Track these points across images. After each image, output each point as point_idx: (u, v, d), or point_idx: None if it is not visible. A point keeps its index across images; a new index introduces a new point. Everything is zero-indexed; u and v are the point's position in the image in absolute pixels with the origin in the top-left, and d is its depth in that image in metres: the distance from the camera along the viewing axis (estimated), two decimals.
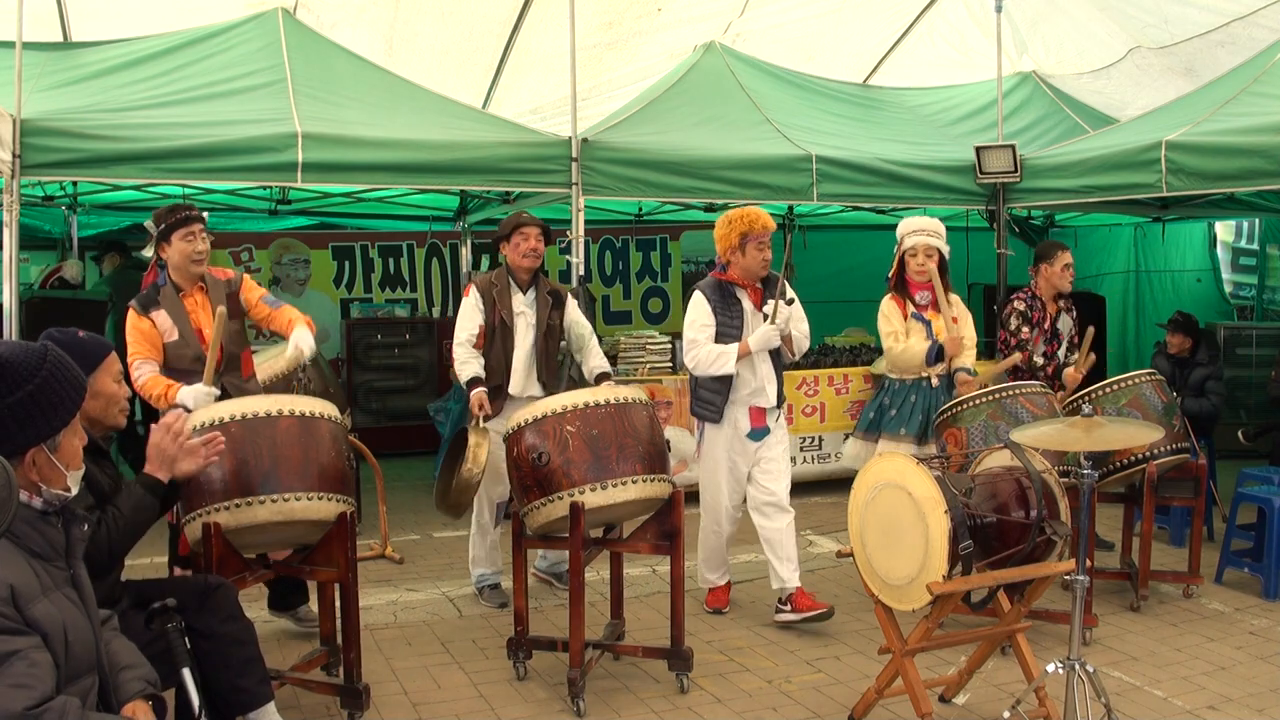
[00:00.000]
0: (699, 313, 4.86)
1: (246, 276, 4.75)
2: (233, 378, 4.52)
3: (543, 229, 5.21)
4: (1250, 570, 5.54)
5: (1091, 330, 5.64)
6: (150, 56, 6.79)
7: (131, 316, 4.41)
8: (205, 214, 4.60)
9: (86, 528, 2.44)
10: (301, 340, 4.48)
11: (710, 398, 4.92)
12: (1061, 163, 7.52)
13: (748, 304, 4.89)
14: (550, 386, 5.14)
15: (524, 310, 5.18)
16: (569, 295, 5.40)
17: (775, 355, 4.92)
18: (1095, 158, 7.24)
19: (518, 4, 7.92)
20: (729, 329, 4.84)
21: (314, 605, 4.82)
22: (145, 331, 4.38)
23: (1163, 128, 6.88)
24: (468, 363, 5.09)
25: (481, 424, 4.90)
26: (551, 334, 5.24)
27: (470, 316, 5.14)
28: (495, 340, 5.13)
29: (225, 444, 3.51)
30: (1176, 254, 11.04)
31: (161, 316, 4.41)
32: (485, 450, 4.76)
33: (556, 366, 5.30)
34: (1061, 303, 5.84)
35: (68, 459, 2.37)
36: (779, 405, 5.00)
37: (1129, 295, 11.24)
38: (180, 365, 4.40)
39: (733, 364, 4.75)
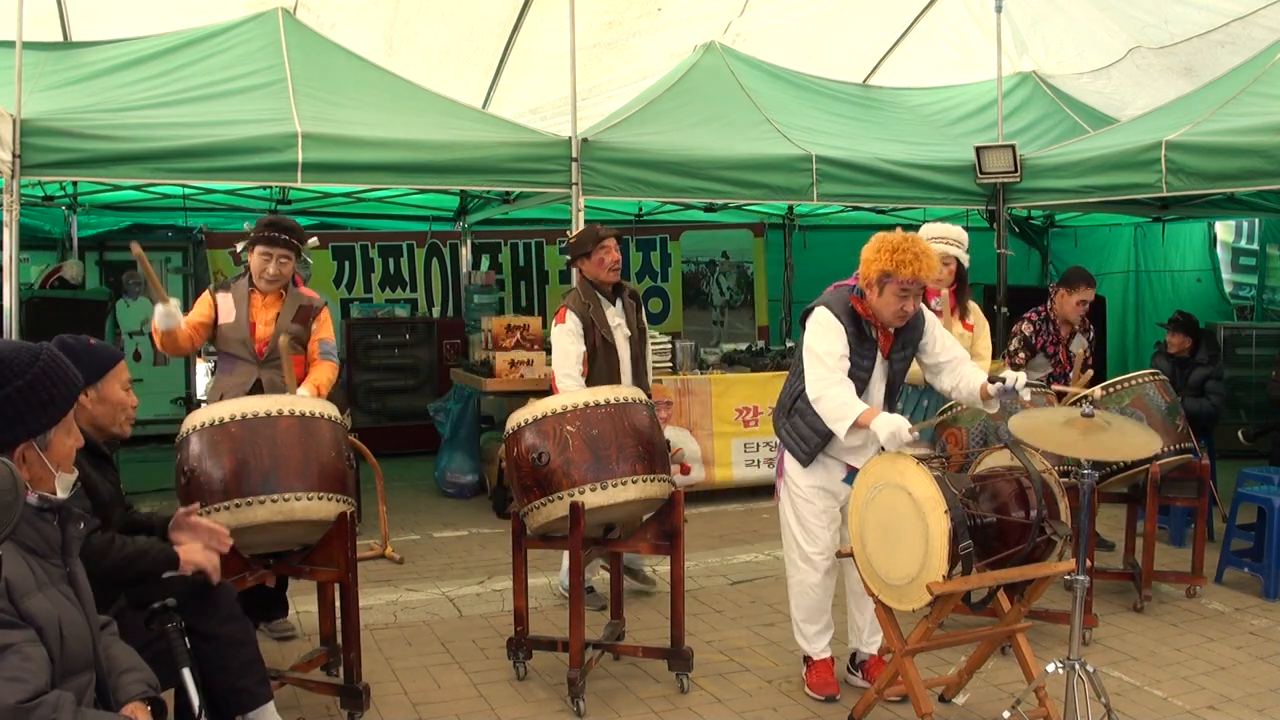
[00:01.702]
0: (831, 337, 3.87)
1: (325, 312, 4.85)
2: (273, 373, 4.63)
3: (618, 236, 5.14)
4: (1250, 570, 5.54)
5: (1090, 374, 5.64)
6: (150, 56, 6.79)
7: (204, 293, 4.78)
8: (299, 241, 4.68)
9: (83, 526, 2.45)
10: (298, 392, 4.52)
11: (808, 435, 4.02)
12: (1061, 163, 7.52)
13: (878, 346, 3.98)
14: (645, 388, 5.10)
15: (619, 322, 5.11)
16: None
17: (891, 407, 4.11)
18: (1095, 158, 7.24)
19: (518, 4, 7.92)
20: (860, 370, 3.93)
21: (291, 616, 4.89)
22: (202, 309, 4.69)
23: (1163, 128, 6.88)
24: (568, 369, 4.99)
25: None
26: (642, 337, 5.25)
27: (573, 344, 4.94)
28: (599, 359, 5.01)
29: (225, 444, 3.52)
30: (1176, 254, 11.05)
31: (226, 300, 4.69)
32: None
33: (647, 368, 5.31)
34: (1076, 324, 5.81)
35: (59, 459, 2.39)
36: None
37: (1129, 295, 11.25)
38: (227, 348, 4.71)
39: (845, 431, 3.79)
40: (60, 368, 2.38)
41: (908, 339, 4.03)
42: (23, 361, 2.32)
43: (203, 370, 7.94)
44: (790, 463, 4.13)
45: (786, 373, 4.32)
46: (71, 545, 2.38)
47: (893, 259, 3.75)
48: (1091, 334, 5.93)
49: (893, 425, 3.67)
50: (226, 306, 4.67)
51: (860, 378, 3.93)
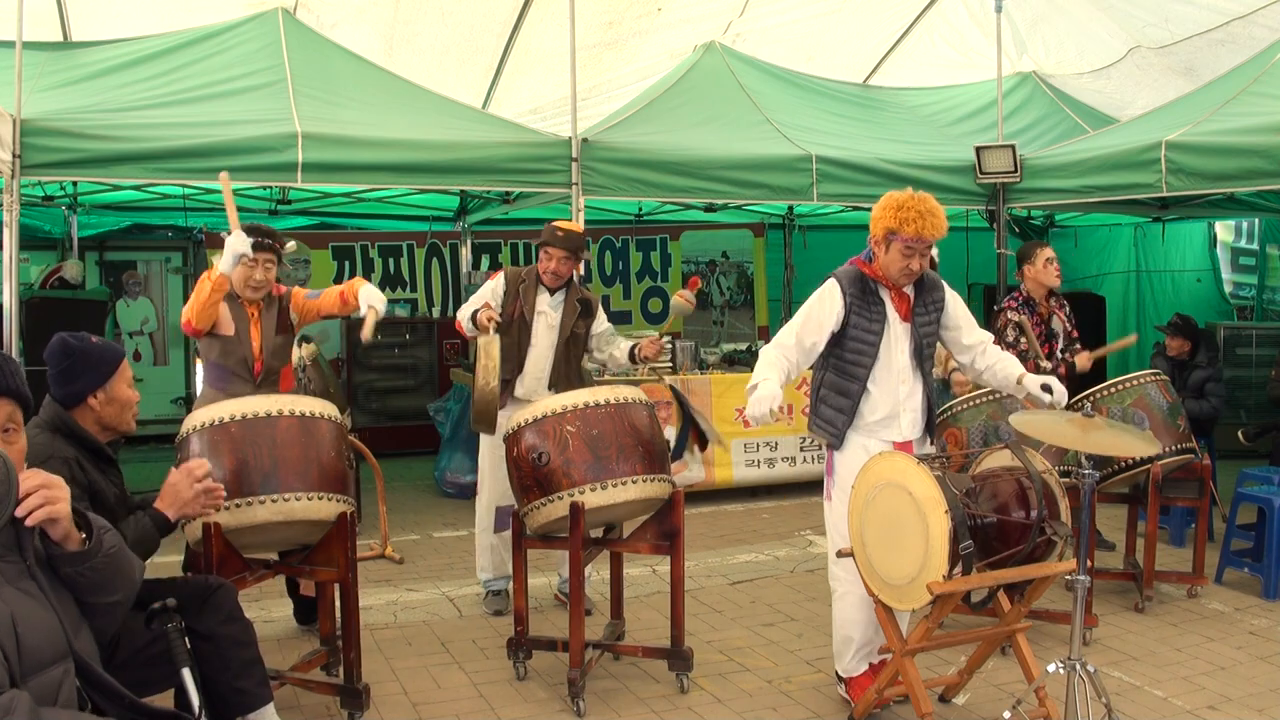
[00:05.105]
0: (813, 311, 3.86)
1: (296, 289, 4.78)
2: (271, 391, 4.50)
3: (570, 251, 4.99)
4: (1250, 570, 5.54)
5: (1135, 337, 5.64)
6: (150, 56, 6.79)
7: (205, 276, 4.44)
8: (281, 243, 4.60)
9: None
10: (371, 298, 4.51)
11: (831, 416, 3.90)
12: (1061, 163, 7.53)
13: (891, 308, 3.89)
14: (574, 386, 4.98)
15: (545, 311, 5.04)
16: (598, 304, 5.24)
17: (925, 375, 3.95)
18: (1095, 158, 7.24)
19: (518, 4, 7.92)
20: (867, 333, 3.85)
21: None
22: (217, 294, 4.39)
23: (1163, 128, 6.88)
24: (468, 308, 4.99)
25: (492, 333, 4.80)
26: (575, 342, 5.10)
27: (482, 295, 5.02)
28: (511, 334, 4.98)
29: (225, 444, 3.52)
30: (1176, 254, 11.05)
31: (224, 309, 4.52)
32: (496, 350, 4.69)
33: (577, 377, 5.13)
34: (1052, 302, 5.79)
35: None
36: (928, 437, 4.03)
37: (1129, 295, 11.25)
38: (228, 364, 4.52)
39: (759, 413, 3.63)
40: None
41: (929, 301, 3.95)
42: None
43: (202, 371, 7.93)
44: (838, 458, 3.93)
45: None
46: (25, 540, 2.29)
47: (897, 216, 3.74)
48: (1067, 309, 5.83)
49: (763, 403, 3.60)
50: (225, 317, 4.50)
51: (868, 340, 3.84)
